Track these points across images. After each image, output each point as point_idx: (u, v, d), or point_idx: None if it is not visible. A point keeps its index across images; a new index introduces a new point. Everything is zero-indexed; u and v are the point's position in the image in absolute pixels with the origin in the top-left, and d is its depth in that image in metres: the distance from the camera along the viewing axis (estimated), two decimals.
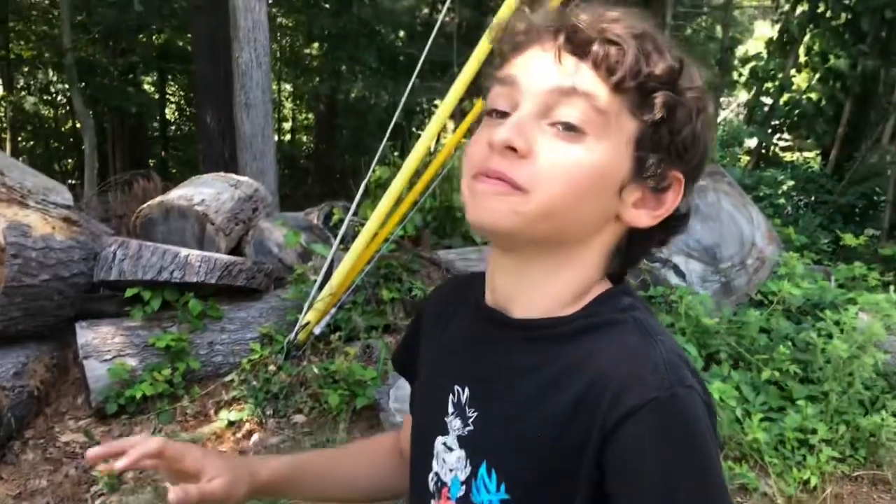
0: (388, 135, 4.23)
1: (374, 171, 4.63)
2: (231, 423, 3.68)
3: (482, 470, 0.83)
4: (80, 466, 3.51)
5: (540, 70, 0.77)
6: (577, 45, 0.75)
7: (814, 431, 3.39)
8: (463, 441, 0.87)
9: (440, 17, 4.68)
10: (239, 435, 3.67)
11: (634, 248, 0.85)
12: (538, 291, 0.83)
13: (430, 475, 0.92)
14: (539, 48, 0.78)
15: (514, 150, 0.74)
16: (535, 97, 0.76)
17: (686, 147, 0.78)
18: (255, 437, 3.65)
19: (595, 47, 0.74)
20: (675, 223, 0.84)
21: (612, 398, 0.73)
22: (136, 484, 3.39)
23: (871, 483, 3.39)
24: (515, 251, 0.83)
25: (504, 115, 0.78)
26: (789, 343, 3.88)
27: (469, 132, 5.02)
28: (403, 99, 4.13)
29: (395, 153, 6.73)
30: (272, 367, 3.95)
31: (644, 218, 0.80)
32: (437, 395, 0.92)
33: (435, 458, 0.92)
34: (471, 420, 0.86)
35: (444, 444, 0.90)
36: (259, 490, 0.98)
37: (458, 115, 4.90)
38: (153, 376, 3.76)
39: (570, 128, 0.74)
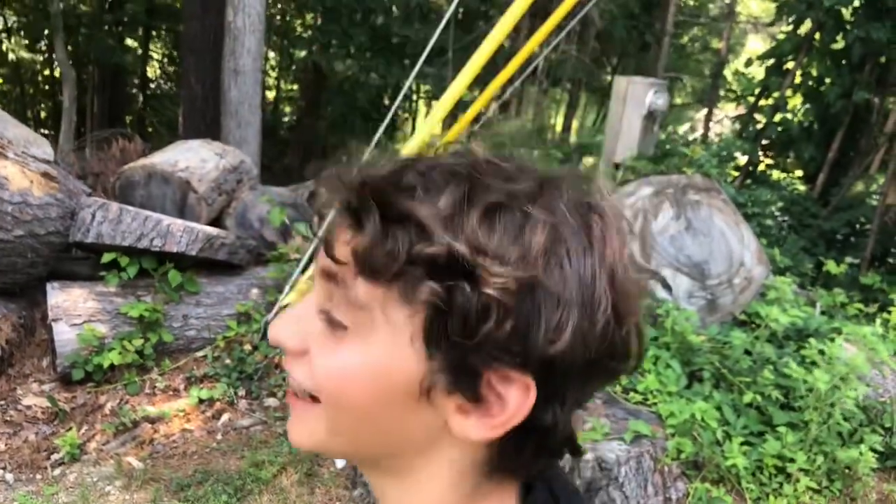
0: (386, 121, 4.13)
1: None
2: (202, 401, 3.56)
3: None
4: (40, 432, 3.39)
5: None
6: (352, 220, 0.58)
7: (792, 460, 3.36)
8: None
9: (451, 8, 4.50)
10: (209, 413, 3.55)
11: (506, 463, 0.63)
12: None
13: None
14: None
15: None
16: (316, 279, 0.61)
17: (508, 338, 0.55)
18: (225, 416, 3.54)
19: (365, 229, 0.57)
20: (544, 436, 0.60)
21: None
22: (98, 456, 3.27)
23: None
24: (360, 467, 0.71)
25: None
26: (772, 367, 3.84)
27: (475, 119, 4.96)
28: (407, 84, 4.02)
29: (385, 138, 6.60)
30: (248, 347, 3.84)
31: (474, 429, 0.59)
32: None
33: None
34: None
35: None
36: None
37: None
38: (123, 345, 3.63)
39: (331, 322, 0.59)
